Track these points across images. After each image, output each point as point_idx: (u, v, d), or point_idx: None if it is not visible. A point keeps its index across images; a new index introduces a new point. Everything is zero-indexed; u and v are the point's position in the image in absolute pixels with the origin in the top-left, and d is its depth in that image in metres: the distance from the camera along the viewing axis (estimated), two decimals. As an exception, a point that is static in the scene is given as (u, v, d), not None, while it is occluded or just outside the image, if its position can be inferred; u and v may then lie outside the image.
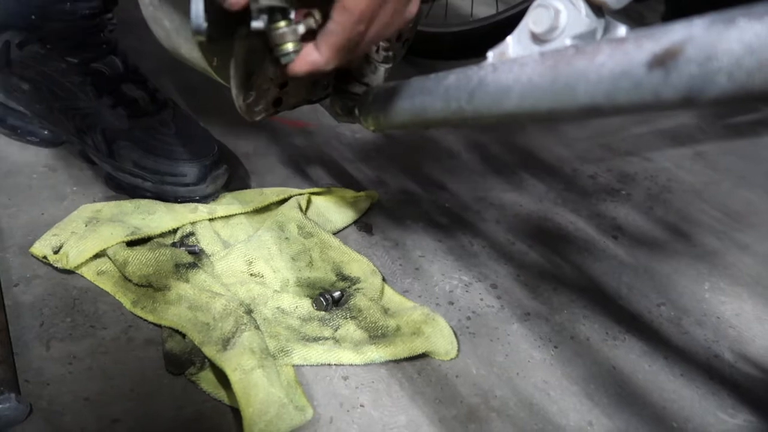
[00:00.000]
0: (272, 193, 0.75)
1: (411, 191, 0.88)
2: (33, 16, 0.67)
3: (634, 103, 0.27)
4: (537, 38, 0.40)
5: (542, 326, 0.69)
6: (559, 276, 0.77)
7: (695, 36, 0.23)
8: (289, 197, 0.75)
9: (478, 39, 1.09)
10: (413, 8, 0.40)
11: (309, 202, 0.76)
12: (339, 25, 0.38)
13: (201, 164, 0.70)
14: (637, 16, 1.98)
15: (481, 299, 0.71)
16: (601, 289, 0.77)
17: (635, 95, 0.26)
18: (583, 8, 0.39)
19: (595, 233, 0.87)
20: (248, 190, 0.77)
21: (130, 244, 0.63)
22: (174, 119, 0.72)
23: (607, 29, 0.42)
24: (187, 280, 0.60)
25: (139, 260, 0.61)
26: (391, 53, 0.53)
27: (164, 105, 0.73)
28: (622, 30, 0.42)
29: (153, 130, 0.70)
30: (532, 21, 0.39)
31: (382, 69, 0.53)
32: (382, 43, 0.53)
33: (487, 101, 0.35)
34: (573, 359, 0.66)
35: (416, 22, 0.60)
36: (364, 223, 0.79)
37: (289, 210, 0.72)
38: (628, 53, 0.26)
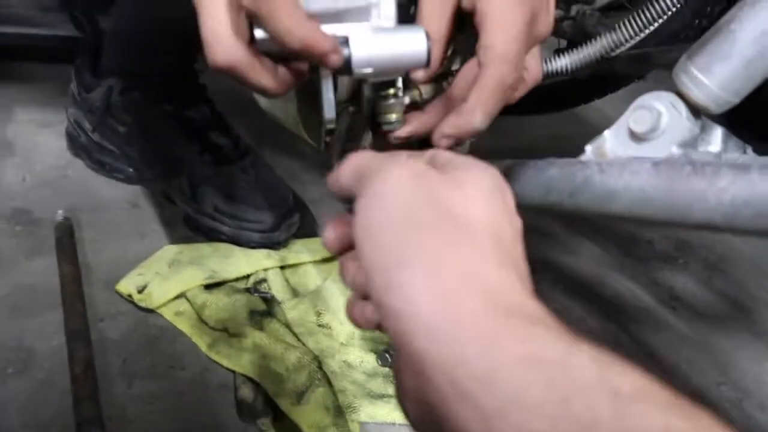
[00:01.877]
0: (340, 243, 0.77)
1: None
2: (136, 66, 0.72)
3: (756, 229, 0.28)
4: (636, 137, 0.41)
5: (602, 398, 0.69)
6: (616, 344, 0.77)
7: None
8: (356, 248, 0.77)
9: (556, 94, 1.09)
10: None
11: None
12: (495, 78, 0.34)
13: (277, 212, 0.73)
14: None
15: (541, 365, 0.71)
16: (660, 361, 0.76)
17: (758, 223, 0.27)
18: (684, 111, 0.41)
19: (654, 302, 0.87)
20: (317, 238, 0.80)
21: (208, 287, 0.66)
22: (254, 166, 0.76)
23: (703, 129, 0.43)
24: (261, 328, 0.62)
25: (216, 305, 0.63)
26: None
27: (246, 152, 0.76)
28: (717, 132, 0.43)
29: (235, 177, 0.73)
30: (633, 121, 0.41)
31: (467, 142, 0.55)
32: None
33: (592, 200, 0.37)
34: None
35: None
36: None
37: (356, 261, 0.74)
38: (754, 183, 0.28)
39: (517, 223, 0.28)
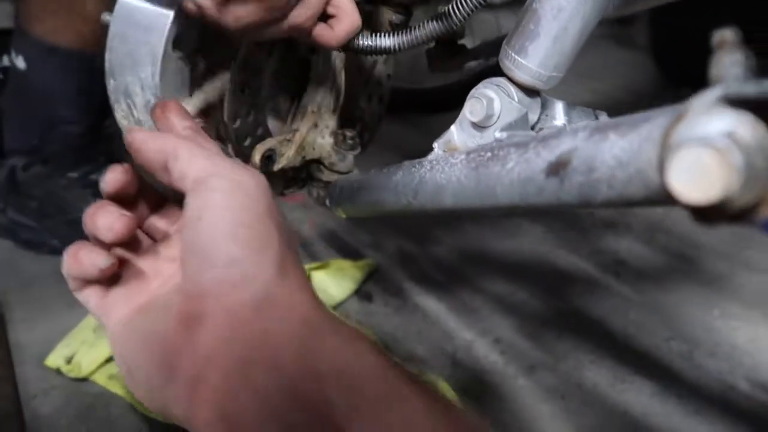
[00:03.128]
0: (272, 274, 0.78)
1: (408, 251, 0.90)
2: (34, 141, 0.73)
3: (544, 205, 0.29)
4: (476, 126, 0.42)
5: (548, 377, 0.69)
6: (563, 322, 0.78)
7: (579, 147, 0.25)
8: (289, 276, 0.77)
9: (459, 93, 1.12)
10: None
11: (308, 277, 0.78)
12: None
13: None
14: (628, 40, 2.00)
15: (485, 356, 0.72)
16: (607, 330, 0.77)
17: (542, 198, 0.28)
18: (515, 94, 0.41)
19: (597, 272, 0.87)
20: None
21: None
22: (172, 216, 0.76)
23: (544, 106, 0.44)
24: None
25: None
26: (357, 140, 0.56)
27: (161, 204, 0.77)
28: (559, 106, 0.44)
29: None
30: (469, 111, 0.42)
31: (350, 156, 0.56)
32: (347, 132, 0.55)
33: (429, 198, 0.37)
34: (582, 409, 0.65)
35: (389, 77, 0.62)
36: (364, 292, 0.81)
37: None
38: (530, 161, 0.28)
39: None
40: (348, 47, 0.45)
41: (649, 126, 0.22)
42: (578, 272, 0.87)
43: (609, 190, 0.24)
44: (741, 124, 0.16)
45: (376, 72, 0.62)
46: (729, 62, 0.19)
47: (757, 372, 0.71)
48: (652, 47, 1.56)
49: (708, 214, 0.17)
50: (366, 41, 0.45)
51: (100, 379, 0.64)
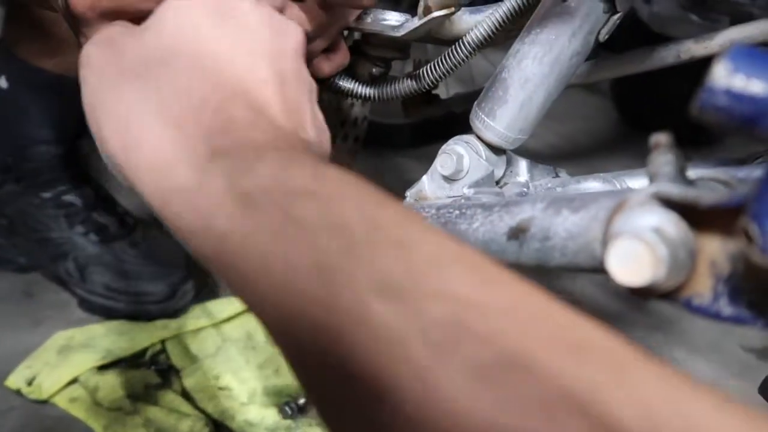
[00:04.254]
0: (240, 302, 0.79)
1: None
2: (8, 160, 0.73)
3: (506, 264, 0.32)
4: (446, 178, 0.45)
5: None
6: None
7: (537, 217, 0.29)
8: (257, 304, 0.78)
9: (433, 129, 1.16)
10: None
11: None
12: None
13: (170, 281, 0.74)
14: (593, 87, 2.10)
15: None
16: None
17: (503, 257, 0.31)
18: (483, 151, 0.45)
19: (554, 311, 0.91)
20: (219, 300, 0.81)
21: (102, 367, 0.66)
22: (144, 240, 0.77)
23: (509, 163, 0.48)
24: (156, 403, 0.63)
25: (110, 385, 0.64)
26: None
27: (134, 227, 0.77)
28: (522, 164, 0.48)
29: (123, 253, 0.75)
30: (440, 165, 0.45)
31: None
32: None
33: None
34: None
35: (365, 119, 0.65)
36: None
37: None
38: (494, 223, 0.31)
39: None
40: (332, 87, 0.48)
41: (597, 207, 0.25)
42: (536, 311, 0.91)
43: (561, 257, 0.27)
44: (667, 222, 0.19)
45: (353, 113, 0.65)
46: (663, 162, 0.22)
47: (698, 414, 0.75)
48: (614, 94, 1.65)
49: (639, 293, 0.20)
50: (348, 84, 0.49)
51: (61, 401, 0.64)
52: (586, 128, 1.80)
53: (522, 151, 0.49)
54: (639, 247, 0.19)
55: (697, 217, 0.20)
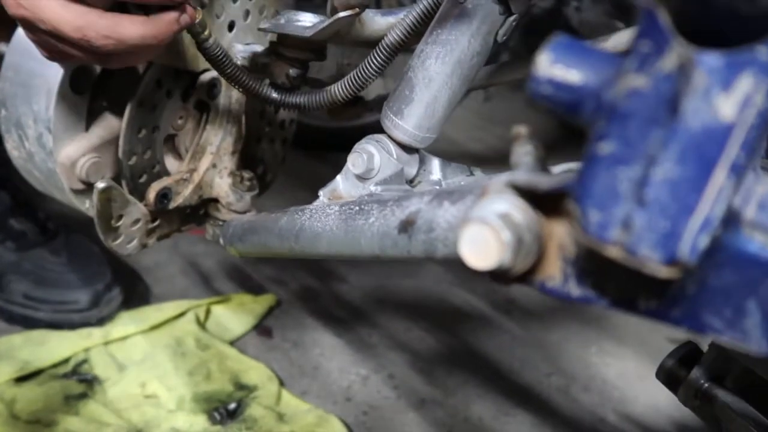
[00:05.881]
0: (170, 308, 0.77)
1: (311, 287, 0.92)
2: None
3: (398, 257, 0.32)
4: (359, 177, 0.46)
5: (437, 411, 0.73)
6: (455, 358, 0.82)
7: (423, 209, 0.29)
8: (188, 310, 0.77)
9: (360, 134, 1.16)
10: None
11: (208, 312, 0.79)
12: None
13: (93, 289, 0.72)
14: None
15: (378, 391, 0.74)
16: (495, 365, 0.82)
17: (396, 251, 0.32)
18: (394, 150, 0.45)
19: (490, 310, 0.93)
20: (147, 307, 0.79)
21: (21, 379, 0.64)
22: (66, 246, 0.75)
23: (422, 162, 0.48)
24: (76, 413, 0.61)
25: (28, 397, 0.61)
26: (254, 181, 0.58)
27: (55, 234, 0.75)
28: (435, 163, 0.49)
29: (43, 260, 0.72)
30: (351, 163, 0.45)
31: (247, 197, 0.58)
32: (245, 173, 0.58)
33: (308, 244, 0.40)
34: (466, 442, 0.69)
35: (292, 122, 0.65)
36: (263, 327, 0.81)
37: (187, 323, 0.74)
38: (387, 217, 0.32)
39: None
40: (261, 97, 0.48)
41: (472, 197, 0.26)
42: (473, 310, 0.92)
43: (445, 248, 0.28)
44: (514, 208, 0.20)
45: (279, 116, 0.65)
46: (522, 152, 0.23)
47: (623, 405, 0.78)
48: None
49: (494, 277, 0.21)
50: (276, 94, 0.49)
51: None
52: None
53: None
54: (485, 231, 0.19)
55: (549, 203, 0.21)
